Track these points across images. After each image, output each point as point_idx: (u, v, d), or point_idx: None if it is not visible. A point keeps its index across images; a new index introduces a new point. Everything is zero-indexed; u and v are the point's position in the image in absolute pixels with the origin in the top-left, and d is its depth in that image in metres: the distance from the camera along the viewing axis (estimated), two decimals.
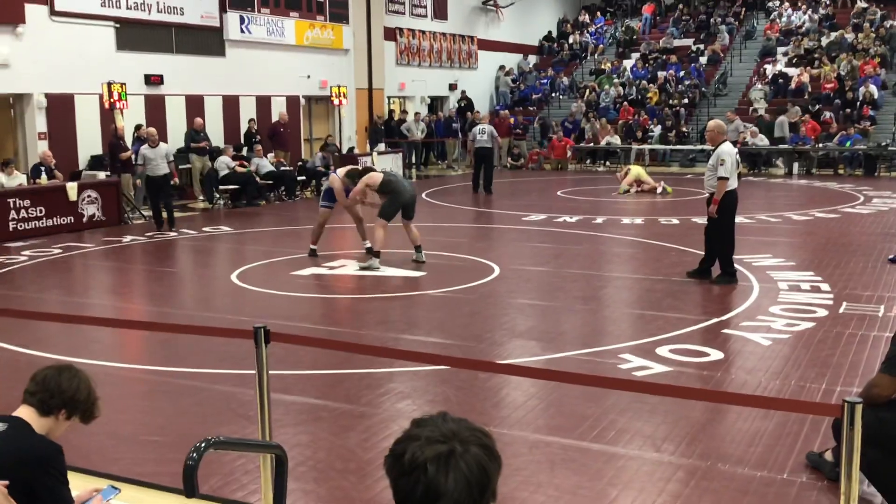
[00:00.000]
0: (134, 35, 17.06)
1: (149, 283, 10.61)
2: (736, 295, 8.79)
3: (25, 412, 3.09)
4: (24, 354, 6.97)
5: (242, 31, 19.36)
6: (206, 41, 18.64)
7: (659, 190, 18.21)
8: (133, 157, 15.61)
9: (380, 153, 21.33)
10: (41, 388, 3.12)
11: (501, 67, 29.95)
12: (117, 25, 16.76)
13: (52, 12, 15.59)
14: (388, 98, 25.18)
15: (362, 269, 10.34)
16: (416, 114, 25.12)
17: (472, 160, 20.17)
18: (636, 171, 18.97)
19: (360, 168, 11.97)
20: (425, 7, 26.27)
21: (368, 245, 10.94)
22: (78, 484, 4.33)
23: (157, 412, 5.78)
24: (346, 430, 5.31)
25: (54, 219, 13.62)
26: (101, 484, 3.57)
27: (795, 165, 22.13)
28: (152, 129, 14.59)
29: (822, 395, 5.80)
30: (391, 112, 25.10)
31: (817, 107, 23.82)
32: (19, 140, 15.79)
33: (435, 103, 27.58)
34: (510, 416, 5.50)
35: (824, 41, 27.22)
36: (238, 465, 4.76)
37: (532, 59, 31.64)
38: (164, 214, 14.14)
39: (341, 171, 11.27)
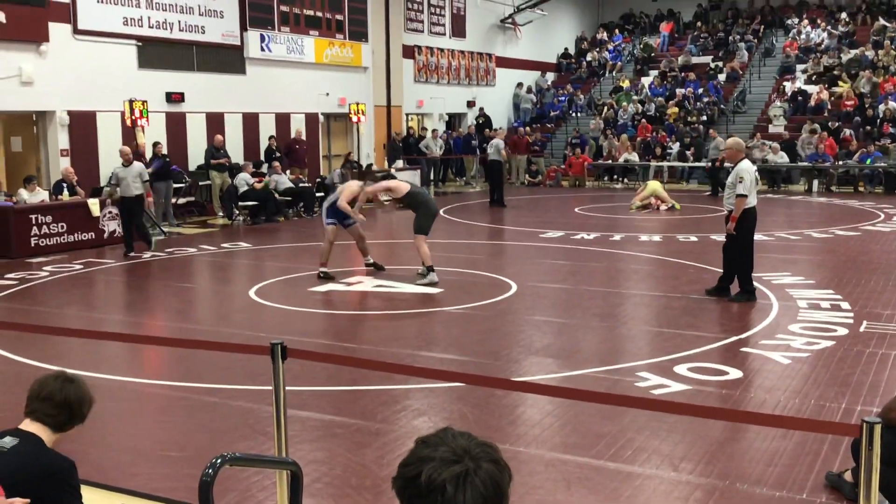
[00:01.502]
0: (156, 53, 17.26)
1: (168, 298, 10.68)
2: (755, 313, 8.74)
3: (36, 428, 3.10)
4: (43, 369, 7.02)
5: (263, 49, 19.54)
6: (226, 59, 18.83)
7: (665, 207, 18.20)
8: (151, 172, 15.76)
9: (398, 170, 21.41)
10: (63, 410, 3.13)
11: (519, 85, 30.04)
12: (139, 44, 16.97)
13: (76, 31, 15.80)
14: (407, 115, 25.30)
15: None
16: (434, 131, 25.22)
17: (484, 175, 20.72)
18: (653, 186, 18.96)
19: (381, 174, 12.06)
20: (444, 25, 26.42)
21: (371, 261, 11.02)
22: (93, 498, 4.36)
23: (174, 427, 5.80)
24: (361, 447, 5.31)
25: (76, 235, 13.75)
26: (116, 499, 3.59)
27: (815, 183, 22.01)
28: (125, 148, 13.94)
29: (841, 415, 5.74)
30: (409, 129, 25.21)
31: (837, 124, 23.71)
32: (42, 156, 15.97)
33: (453, 120, 27.68)
34: (526, 434, 5.48)
35: (844, 58, 27.11)
36: (254, 481, 4.77)
37: (550, 76, 31.71)
38: (150, 235, 13.70)
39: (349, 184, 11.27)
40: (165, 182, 16.39)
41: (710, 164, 21.97)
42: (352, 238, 11.17)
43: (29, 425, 3.11)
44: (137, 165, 13.46)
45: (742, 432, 5.43)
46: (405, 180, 11.86)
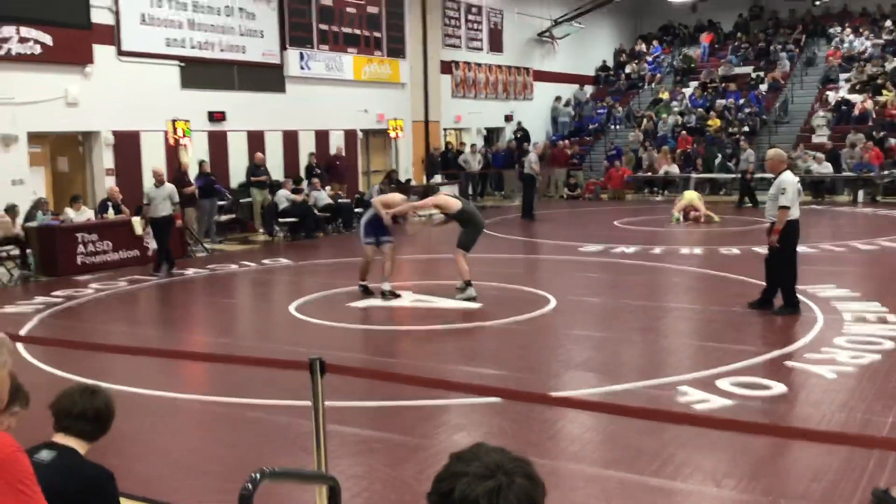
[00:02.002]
0: (198, 73, 17.55)
1: (210, 314, 10.81)
2: (799, 326, 8.59)
3: (71, 441, 3.15)
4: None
5: (302, 67, 19.77)
6: (266, 78, 19.08)
7: (702, 219, 18.07)
8: (196, 191, 16.01)
9: (437, 184, 21.48)
10: (96, 424, 3.18)
11: (557, 98, 30.00)
12: (182, 64, 17.26)
13: (120, 53, 16.12)
14: (445, 130, 25.40)
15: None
16: (473, 145, 25.27)
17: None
18: (689, 196, 18.82)
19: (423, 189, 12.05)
20: (481, 40, 26.51)
21: (387, 286, 10.60)
22: None
23: (215, 442, 5.86)
24: (401, 462, 5.31)
25: (120, 253, 14.00)
26: None
27: (860, 193, 21.63)
28: (158, 168, 13.94)
29: (889, 430, 5.62)
30: (448, 144, 25.29)
31: (882, 133, 23.30)
32: (87, 176, 16.30)
33: (491, 135, 27.72)
34: (567, 450, 5.45)
35: (888, 67, 26.67)
36: (294, 496, 4.80)
37: (588, 89, 31.63)
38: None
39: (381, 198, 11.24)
40: (210, 199, 16.62)
41: (741, 175, 21.81)
42: (381, 255, 10.88)
43: (63, 439, 3.17)
44: (168, 186, 13.42)
45: (786, 447, 5.33)
46: (453, 195, 11.80)
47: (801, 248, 9.62)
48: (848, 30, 29.66)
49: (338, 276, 12.55)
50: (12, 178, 14.39)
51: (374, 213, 10.81)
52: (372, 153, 22.97)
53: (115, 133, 16.12)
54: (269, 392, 6.72)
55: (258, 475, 2.82)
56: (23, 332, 8.97)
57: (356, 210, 18.83)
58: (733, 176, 23.60)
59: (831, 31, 30.23)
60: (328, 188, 18.76)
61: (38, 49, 14.58)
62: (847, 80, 27.05)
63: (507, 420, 5.99)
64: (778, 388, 6.56)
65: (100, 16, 15.68)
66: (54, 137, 15.94)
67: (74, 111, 15.37)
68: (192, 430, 6.24)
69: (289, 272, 13.51)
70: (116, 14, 15.99)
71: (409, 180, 22.34)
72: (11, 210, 13.24)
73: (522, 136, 26.98)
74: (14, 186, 14.34)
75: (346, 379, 6.43)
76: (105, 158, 16.09)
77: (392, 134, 21.75)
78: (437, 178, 22.36)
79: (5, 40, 14.11)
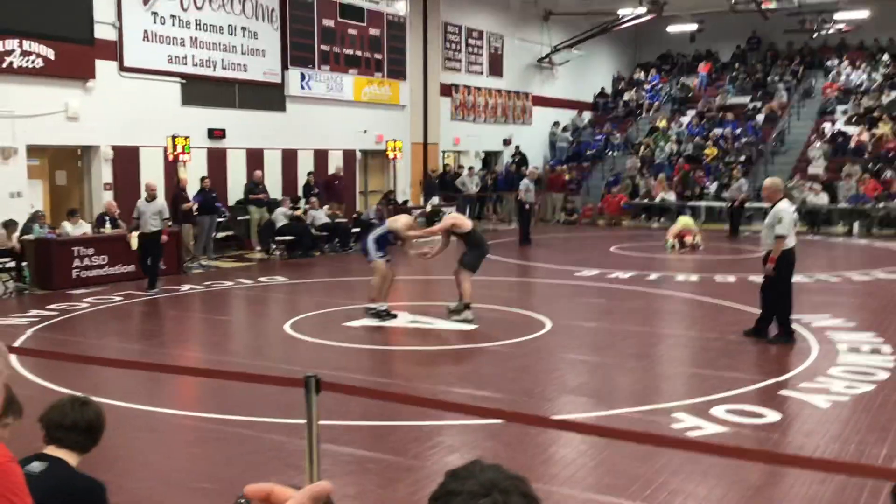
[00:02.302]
0: (199, 90, 17.61)
1: (204, 331, 10.78)
2: (794, 355, 8.60)
3: (62, 453, 3.14)
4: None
5: (303, 87, 19.86)
6: (267, 97, 19.15)
7: (690, 241, 18.14)
8: (194, 208, 16.02)
9: (434, 206, 21.51)
10: (87, 437, 3.17)
11: (556, 123, 30.15)
12: (183, 81, 17.33)
13: (121, 68, 16.19)
14: (443, 152, 25.48)
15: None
16: (471, 168, 25.36)
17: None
18: (684, 221, 18.90)
19: (430, 211, 12.07)
20: (481, 64, 26.67)
21: (373, 307, 10.55)
22: None
23: (207, 459, 5.83)
24: (393, 483, 5.29)
25: (116, 267, 13.97)
26: None
27: (856, 225, 21.72)
28: (151, 182, 13.64)
29: (882, 461, 5.61)
30: (446, 166, 25.37)
31: (878, 165, 23.43)
32: (85, 190, 16.30)
33: (489, 158, 27.82)
34: (560, 474, 5.43)
35: (885, 100, 26.86)
36: None
37: (587, 115, 31.80)
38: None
39: (400, 218, 11.20)
40: (210, 216, 16.64)
41: (729, 204, 21.92)
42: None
43: (55, 451, 3.15)
44: (159, 202, 13.31)
45: (780, 476, 5.32)
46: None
47: (796, 278, 9.64)
48: (845, 62, 29.91)
49: (334, 295, 12.54)
50: (10, 191, 14.40)
51: (383, 231, 10.67)
52: (370, 174, 23.03)
53: (115, 148, 16.14)
54: (262, 410, 6.70)
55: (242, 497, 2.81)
56: (16, 345, 8.93)
57: (353, 230, 18.85)
58: (723, 205, 23.63)
59: (829, 63, 30.48)
60: (326, 207, 18.79)
61: (39, 63, 14.64)
62: (844, 112, 27.23)
63: (500, 443, 5.97)
64: (772, 416, 6.56)
65: (103, 31, 15.75)
66: (53, 151, 15.96)
67: (74, 125, 15.40)
68: (185, 447, 6.21)
69: (285, 290, 13.50)
70: (119, 30, 16.06)
71: (406, 201, 22.39)
72: (10, 226, 13.22)
73: (520, 160, 27.08)
74: (12, 199, 14.34)
75: (340, 399, 6.42)
76: (104, 173, 16.10)
77: (391, 155, 21.81)
78: (435, 200, 22.39)
79: (7, 53, 14.16)
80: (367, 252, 10.56)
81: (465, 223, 10.69)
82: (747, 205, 22.19)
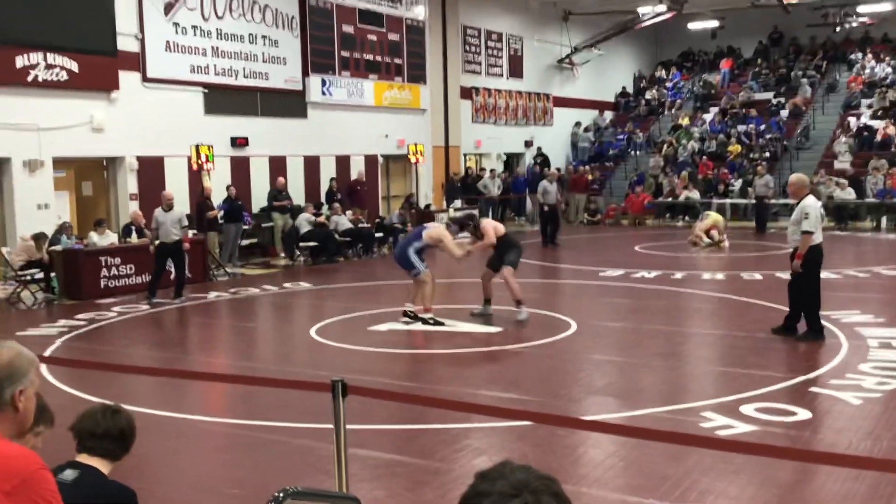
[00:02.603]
0: (221, 99, 17.75)
1: (231, 337, 10.85)
2: (823, 352, 8.50)
3: (95, 461, 3.17)
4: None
5: (324, 93, 19.95)
6: (289, 104, 19.27)
7: (716, 240, 18.08)
8: (219, 216, 16.13)
9: (456, 209, 21.55)
10: (119, 444, 3.20)
11: (577, 123, 30.06)
12: (206, 91, 17.48)
13: (145, 79, 16.35)
14: (465, 155, 25.49)
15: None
16: (492, 170, 25.34)
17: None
18: (714, 217, 18.86)
19: (457, 216, 12.12)
20: (501, 66, 26.66)
21: (412, 310, 10.53)
22: None
23: (236, 465, 5.86)
24: (421, 486, 5.29)
25: (143, 276, 14.07)
26: None
27: (884, 219, 21.46)
28: (168, 192, 13.58)
29: None
30: (467, 169, 25.37)
31: None
32: (111, 200, 16.47)
33: (511, 160, 27.79)
34: (589, 475, 5.40)
35: None
36: None
37: (608, 114, 31.68)
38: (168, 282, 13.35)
39: (436, 226, 11.17)
40: (235, 224, 16.75)
41: (755, 200, 21.77)
42: (409, 279, 10.88)
43: (87, 459, 3.18)
44: (177, 210, 13.25)
45: (812, 474, 5.26)
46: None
47: (824, 274, 9.54)
48: (869, 56, 29.57)
49: (358, 300, 12.57)
50: (38, 203, 14.58)
51: (422, 244, 10.52)
52: (392, 178, 23.08)
53: (139, 158, 16.30)
54: (289, 415, 6.73)
55: (282, 494, 2.82)
56: (46, 354, 9.03)
57: (377, 235, 18.90)
58: (748, 201, 23.48)
59: (852, 57, 30.15)
60: (349, 213, 18.85)
61: (64, 76, 14.82)
62: (869, 106, 26.93)
63: (528, 445, 5.95)
64: (803, 413, 6.49)
65: (126, 43, 15.92)
66: (79, 162, 16.14)
67: (99, 137, 15.57)
68: (213, 453, 6.25)
69: (310, 296, 13.55)
70: (142, 41, 16.24)
71: (428, 205, 22.41)
72: (40, 238, 13.37)
73: (542, 161, 27.03)
74: (39, 210, 14.53)
75: (367, 403, 6.43)
76: (129, 183, 16.26)
77: (412, 159, 21.85)
78: (457, 204, 22.41)
79: (32, 67, 14.35)
80: (412, 266, 10.42)
81: (500, 228, 10.98)
82: (773, 201, 22.00)
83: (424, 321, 10.40)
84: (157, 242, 12.94)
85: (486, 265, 10.94)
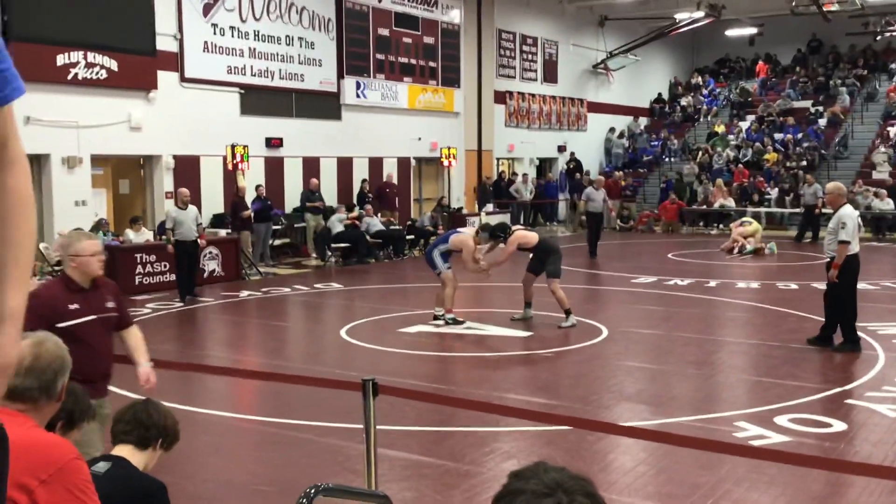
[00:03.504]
0: (257, 100, 17.89)
1: (262, 336, 10.91)
2: (860, 364, 8.37)
3: (124, 450, 3.20)
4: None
5: (358, 95, 20.03)
6: (323, 106, 19.37)
7: (752, 248, 17.99)
8: (252, 215, 16.24)
9: (488, 213, 21.53)
10: (136, 425, 3.25)
11: (611, 129, 29.92)
12: (242, 91, 17.62)
13: (182, 79, 16.52)
14: (497, 159, 25.45)
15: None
16: (525, 175, 25.29)
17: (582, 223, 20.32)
18: (756, 225, 18.90)
19: (490, 223, 11.97)
20: (535, 71, 26.60)
21: (442, 313, 10.61)
22: None
23: (267, 462, 5.89)
24: (449, 488, 5.27)
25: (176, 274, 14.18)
26: None
27: None
28: (184, 190, 13.39)
29: None
30: (500, 173, 25.34)
31: None
32: (148, 198, 16.66)
33: (543, 165, 27.71)
34: (619, 482, 5.35)
35: None
36: None
37: (643, 121, 31.49)
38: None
39: (467, 231, 11.17)
40: (265, 224, 16.86)
41: (805, 208, 21.48)
42: (438, 282, 10.90)
43: (116, 449, 3.22)
44: (193, 209, 13.16)
45: (846, 486, 5.18)
46: (524, 227, 11.78)
47: (862, 285, 9.39)
48: None
49: (388, 302, 12.59)
50: (75, 200, 14.78)
51: (447, 248, 10.60)
52: (424, 181, 23.11)
53: (176, 157, 16.46)
54: (319, 414, 6.75)
55: (313, 490, 2.83)
56: None
57: (408, 237, 18.92)
58: (793, 210, 23.17)
59: (893, 66, 29.69)
60: (380, 215, 18.90)
61: (104, 74, 15.01)
62: None
63: (558, 449, 5.91)
64: (838, 425, 6.39)
65: (164, 43, 16.11)
66: (117, 160, 16.34)
67: (137, 135, 15.75)
68: (244, 450, 6.28)
69: (340, 297, 13.60)
70: (180, 42, 16.41)
71: (460, 208, 22.41)
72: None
73: (575, 166, 26.94)
74: (77, 207, 14.72)
75: (396, 404, 6.44)
76: (165, 181, 16.43)
77: (445, 162, 21.87)
78: (489, 207, 22.38)
79: (73, 65, 14.56)
80: (434, 265, 10.57)
81: (531, 237, 10.68)
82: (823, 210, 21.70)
83: (444, 320, 10.47)
84: (174, 240, 12.82)
85: (527, 269, 10.84)
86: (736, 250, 18.38)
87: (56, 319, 4.16)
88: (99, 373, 4.50)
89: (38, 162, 14.41)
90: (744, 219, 19.88)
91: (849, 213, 8.79)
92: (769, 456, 4.45)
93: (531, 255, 10.81)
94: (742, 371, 8.48)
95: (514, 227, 11.45)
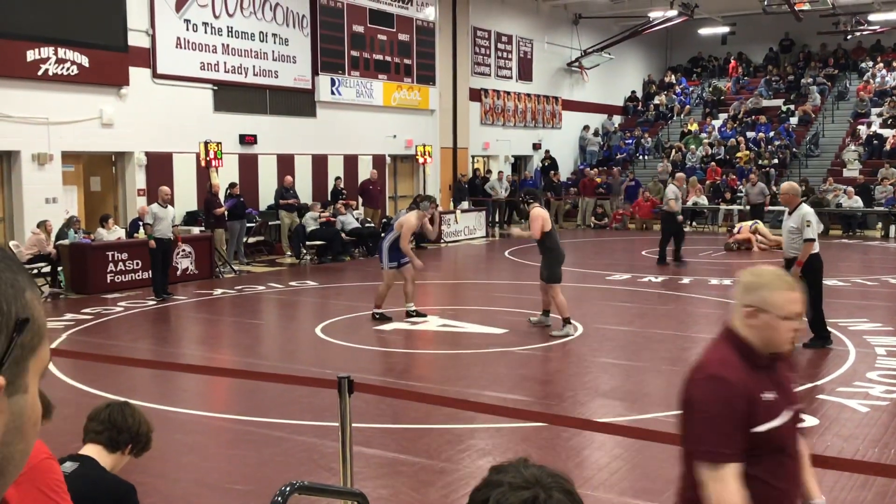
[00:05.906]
0: (230, 97, 17.77)
1: (236, 334, 10.84)
2: (830, 360, 8.47)
3: (93, 450, 3.16)
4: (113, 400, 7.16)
5: (333, 92, 19.95)
6: (298, 103, 19.28)
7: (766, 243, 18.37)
8: (225, 213, 16.13)
9: (463, 211, 21.55)
10: (108, 426, 3.20)
11: (586, 127, 30.04)
12: (215, 88, 17.49)
13: (155, 75, 16.37)
14: (473, 157, 25.47)
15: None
16: (500, 172, 25.33)
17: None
18: (760, 226, 19.12)
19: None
20: (510, 69, 26.64)
21: (413, 309, 10.66)
22: None
23: (241, 461, 5.85)
24: (425, 486, 5.27)
25: (150, 272, 14.05)
26: None
27: (892, 228, 21.38)
28: (165, 188, 13.31)
29: None
30: (475, 171, 25.36)
31: None
32: (119, 196, 16.49)
33: (519, 162, 27.77)
34: (594, 478, 5.38)
35: None
36: None
37: (617, 119, 31.65)
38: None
39: (409, 215, 10.90)
40: (239, 221, 16.75)
41: (751, 207, 21.71)
42: (401, 279, 10.83)
43: (86, 449, 3.18)
44: (171, 207, 13.21)
45: (819, 481, 5.22)
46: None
47: (832, 282, 9.50)
48: (880, 64, 29.49)
49: (364, 300, 12.55)
50: (46, 197, 14.60)
51: (396, 237, 10.70)
52: (399, 179, 23.08)
53: (148, 154, 16.32)
54: (294, 412, 6.72)
55: (288, 488, 2.81)
56: (52, 347, 9.03)
57: (382, 235, 18.88)
58: (767, 208, 23.37)
59: (863, 65, 30.07)
60: (357, 212, 18.83)
61: (74, 70, 14.84)
62: (879, 115, 26.86)
63: (533, 446, 5.93)
64: (810, 420, 6.45)
65: (136, 39, 15.94)
66: (88, 157, 16.16)
67: (109, 132, 15.58)
68: (218, 449, 6.24)
69: (315, 294, 13.55)
70: (152, 37, 16.25)
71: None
72: (43, 224, 13.38)
73: (550, 164, 27.02)
74: (47, 204, 14.55)
75: (371, 402, 6.43)
76: (137, 179, 16.28)
77: (420, 160, 21.85)
78: (464, 205, 22.39)
79: (43, 61, 14.37)
80: (381, 259, 10.84)
81: (548, 222, 10.02)
82: (769, 208, 21.91)
83: (374, 316, 10.66)
84: (154, 238, 12.72)
85: (539, 277, 10.29)
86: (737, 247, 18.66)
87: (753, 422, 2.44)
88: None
89: (8, 158, 14.22)
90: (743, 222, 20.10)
91: (811, 210, 8.87)
92: None
93: (541, 257, 10.19)
94: None
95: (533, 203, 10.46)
